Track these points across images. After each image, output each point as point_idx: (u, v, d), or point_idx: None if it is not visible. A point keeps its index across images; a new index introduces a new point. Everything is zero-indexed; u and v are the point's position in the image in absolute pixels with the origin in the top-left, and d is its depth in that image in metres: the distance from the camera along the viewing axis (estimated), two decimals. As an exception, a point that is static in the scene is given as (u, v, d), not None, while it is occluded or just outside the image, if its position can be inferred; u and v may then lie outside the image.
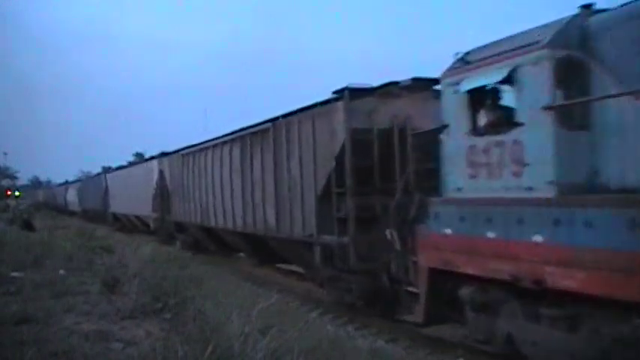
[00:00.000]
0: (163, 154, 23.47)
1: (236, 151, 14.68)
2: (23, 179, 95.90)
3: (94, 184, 39.84)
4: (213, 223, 16.76)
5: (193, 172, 18.61)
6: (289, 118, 11.87)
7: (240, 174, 14.30)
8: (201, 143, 17.96)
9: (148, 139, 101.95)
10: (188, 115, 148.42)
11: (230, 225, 15.25)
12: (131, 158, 68.85)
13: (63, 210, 54.66)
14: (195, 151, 18.63)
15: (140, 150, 69.79)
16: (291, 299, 11.71)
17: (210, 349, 4.49)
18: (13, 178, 79.98)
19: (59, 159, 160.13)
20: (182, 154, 20.10)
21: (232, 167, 14.97)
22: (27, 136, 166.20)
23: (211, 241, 18.93)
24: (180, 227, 21.02)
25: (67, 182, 68.44)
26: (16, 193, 66.20)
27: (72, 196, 51.67)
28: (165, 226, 22.93)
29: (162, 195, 22.85)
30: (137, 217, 27.59)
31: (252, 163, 13.62)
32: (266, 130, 12.79)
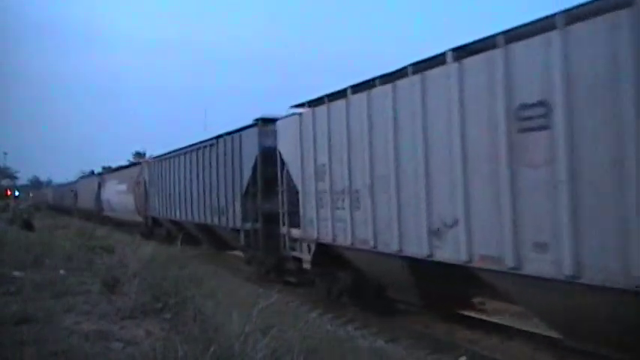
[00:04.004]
0: None
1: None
2: (23, 179, 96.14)
3: (194, 167, 17.95)
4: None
5: None
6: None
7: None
8: None
9: (147, 139, 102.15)
10: (188, 115, 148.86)
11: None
12: (131, 158, 68.47)
13: (93, 216, 33.53)
14: None
15: (139, 149, 69.39)
16: (291, 299, 11.72)
17: (210, 349, 4.48)
18: (13, 178, 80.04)
19: (59, 159, 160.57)
20: None
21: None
22: (27, 136, 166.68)
23: None
24: None
25: (93, 172, 45.10)
26: (16, 193, 65.83)
27: (115, 194, 30.07)
28: None
29: None
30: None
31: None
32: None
